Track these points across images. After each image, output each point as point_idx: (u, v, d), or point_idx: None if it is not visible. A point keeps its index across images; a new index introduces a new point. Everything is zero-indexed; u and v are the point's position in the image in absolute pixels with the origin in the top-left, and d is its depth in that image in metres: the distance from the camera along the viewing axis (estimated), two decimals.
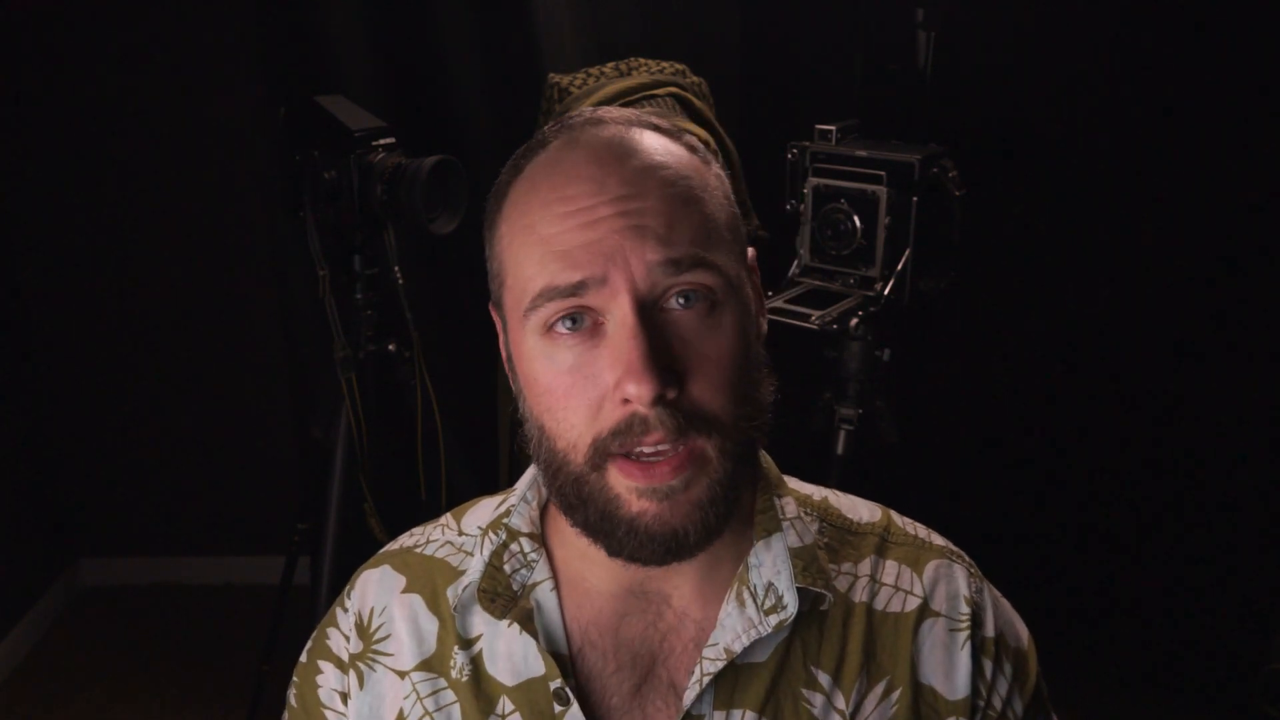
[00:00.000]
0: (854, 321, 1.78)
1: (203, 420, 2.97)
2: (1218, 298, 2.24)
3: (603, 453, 0.65)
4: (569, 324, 0.66)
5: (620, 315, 0.64)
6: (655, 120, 0.73)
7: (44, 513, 2.96)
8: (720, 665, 0.71)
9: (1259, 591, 2.32)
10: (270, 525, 2.85)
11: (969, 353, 2.41)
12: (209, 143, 2.76)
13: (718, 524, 0.67)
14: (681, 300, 0.66)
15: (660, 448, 0.65)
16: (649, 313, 0.65)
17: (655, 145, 0.69)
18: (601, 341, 0.65)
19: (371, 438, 1.95)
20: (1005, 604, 0.81)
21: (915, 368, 2.16)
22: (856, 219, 1.81)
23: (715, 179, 0.72)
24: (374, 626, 0.80)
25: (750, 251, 0.75)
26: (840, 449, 1.91)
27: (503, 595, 0.75)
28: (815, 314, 1.76)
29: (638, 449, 0.65)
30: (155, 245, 2.84)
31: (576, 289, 0.65)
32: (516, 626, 0.74)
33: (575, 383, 0.66)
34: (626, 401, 0.64)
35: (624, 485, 0.66)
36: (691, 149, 0.72)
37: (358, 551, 1.02)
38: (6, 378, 2.81)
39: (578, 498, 0.68)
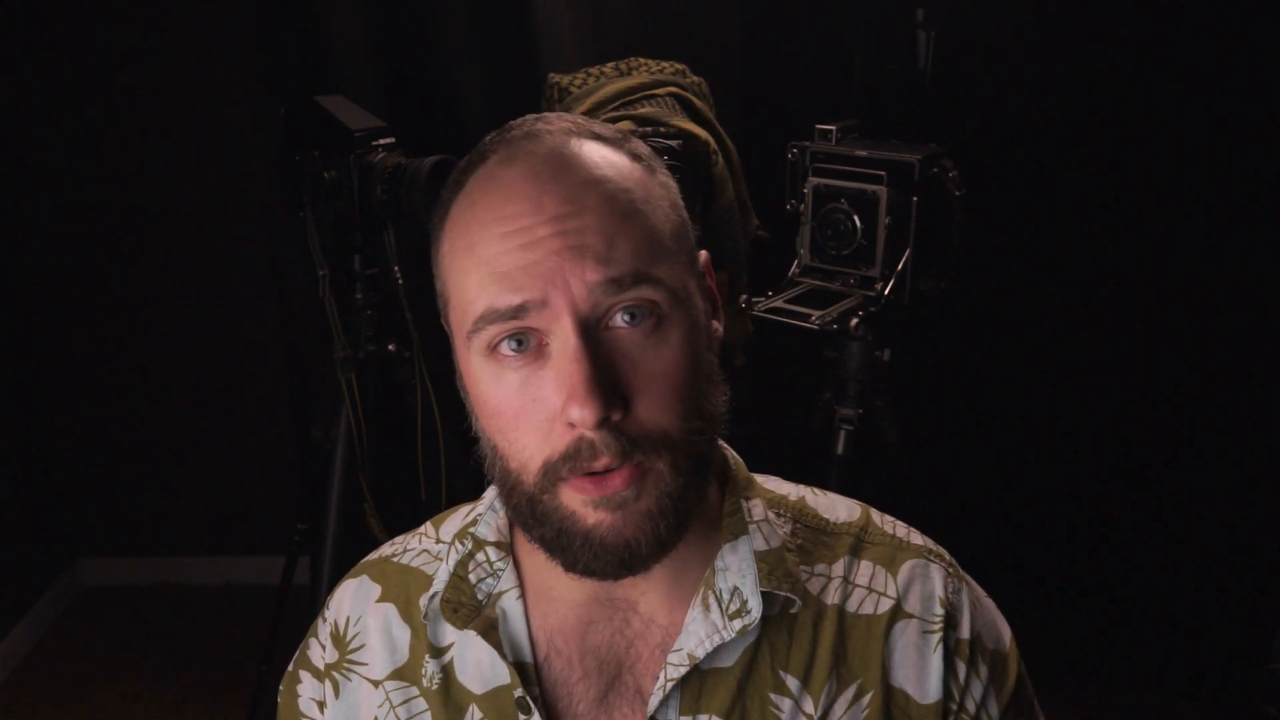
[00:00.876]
0: (854, 321, 1.78)
1: (203, 420, 2.97)
2: (1218, 296, 2.24)
3: (553, 476, 0.65)
4: (514, 345, 0.65)
5: (563, 338, 0.64)
6: (597, 128, 0.71)
7: (44, 513, 2.96)
8: (684, 670, 0.71)
9: (1259, 591, 2.32)
10: (270, 525, 2.85)
11: (969, 353, 2.41)
12: (209, 143, 2.76)
13: (669, 536, 0.67)
14: (626, 317, 0.65)
15: (610, 467, 0.64)
16: (592, 333, 0.64)
17: (595, 157, 0.68)
18: (547, 363, 0.65)
19: (371, 438, 1.95)
20: (987, 605, 0.80)
21: (915, 368, 2.17)
22: (856, 219, 1.81)
23: (660, 187, 0.71)
24: (349, 636, 0.81)
25: (702, 255, 0.74)
26: (840, 449, 1.91)
27: (466, 605, 0.75)
28: (815, 314, 1.76)
29: (587, 470, 0.65)
30: (155, 245, 2.84)
31: (517, 312, 0.64)
32: (481, 636, 0.74)
33: (524, 405, 0.65)
34: (573, 425, 0.64)
35: (578, 500, 0.65)
36: (635, 157, 0.70)
37: (358, 551, 1.02)
38: (7, 378, 2.81)
39: (533, 516, 0.68)
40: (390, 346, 2.00)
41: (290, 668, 0.85)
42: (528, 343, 0.65)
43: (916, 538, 0.81)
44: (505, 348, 0.65)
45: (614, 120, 1.97)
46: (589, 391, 0.62)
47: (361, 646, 0.80)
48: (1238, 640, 2.33)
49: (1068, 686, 2.39)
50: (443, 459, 2.03)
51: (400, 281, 1.94)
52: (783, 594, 0.73)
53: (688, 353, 0.67)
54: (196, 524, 3.04)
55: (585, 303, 0.64)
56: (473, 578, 0.77)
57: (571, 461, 0.64)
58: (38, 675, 2.71)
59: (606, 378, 0.63)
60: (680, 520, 0.67)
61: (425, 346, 2.01)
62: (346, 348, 1.92)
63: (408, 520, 0.94)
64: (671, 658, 0.72)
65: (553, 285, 0.63)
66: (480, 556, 0.78)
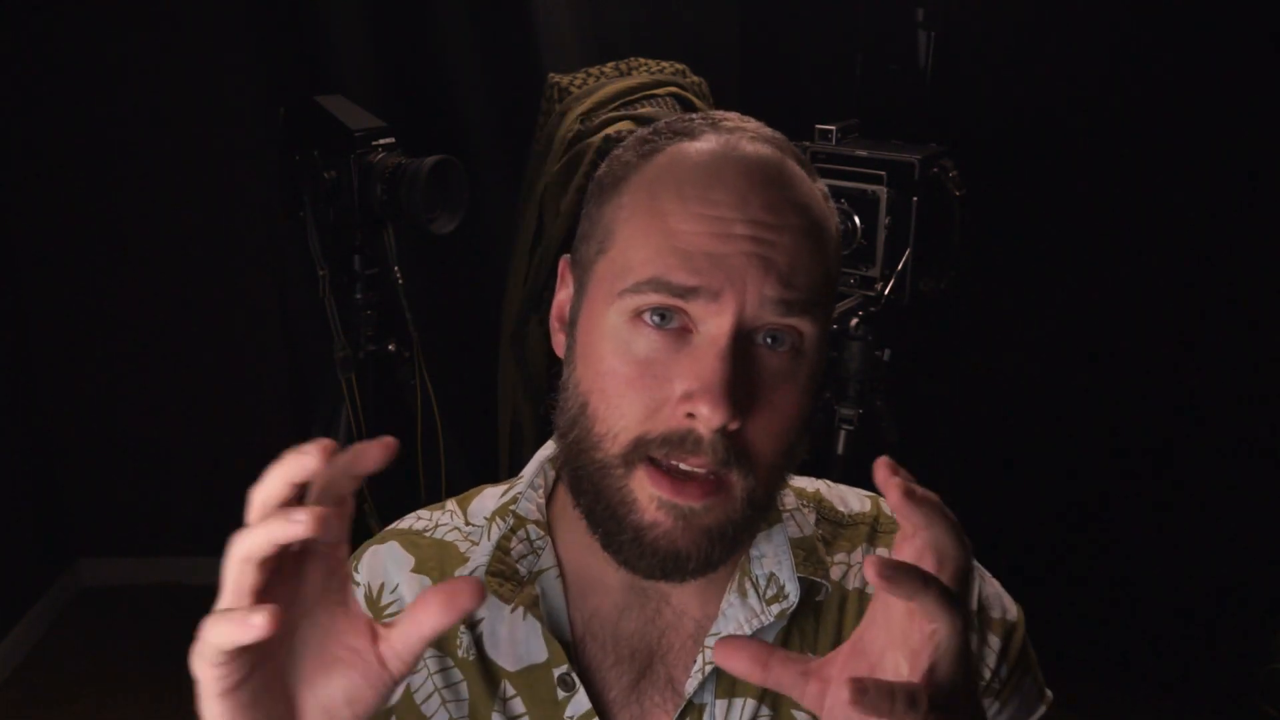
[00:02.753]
0: (854, 321, 1.78)
1: (203, 420, 2.97)
2: (1218, 297, 2.24)
3: (640, 453, 0.65)
4: (658, 319, 0.65)
5: (715, 334, 0.64)
6: (796, 151, 0.72)
7: (44, 513, 2.96)
8: None
9: (1259, 591, 2.32)
10: None
11: (969, 353, 2.41)
12: (209, 143, 2.76)
13: (719, 559, 0.67)
14: (769, 340, 0.65)
15: (697, 470, 0.65)
16: (742, 341, 0.64)
17: (802, 183, 0.69)
18: (684, 349, 0.65)
19: (371, 438, 1.95)
20: (991, 580, 0.82)
21: (915, 368, 2.17)
22: (857, 219, 1.81)
23: (837, 232, 0.72)
24: (384, 602, 0.80)
25: None
26: (840, 449, 1.91)
27: (510, 579, 0.75)
28: None
29: (676, 464, 0.65)
30: (155, 245, 2.84)
31: (687, 293, 0.64)
32: (521, 610, 0.75)
33: (641, 376, 0.65)
34: (689, 415, 0.64)
35: (647, 492, 0.65)
36: (825, 197, 0.72)
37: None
38: (7, 378, 2.81)
39: (594, 486, 0.67)
40: (390, 346, 2.00)
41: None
42: (671, 320, 0.65)
43: None
44: (649, 318, 0.65)
45: (614, 120, 1.97)
46: (725, 394, 0.62)
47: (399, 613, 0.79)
48: (1238, 640, 2.33)
49: (1068, 686, 2.39)
50: (443, 459, 2.03)
51: (400, 281, 1.94)
52: (817, 580, 0.75)
53: (806, 395, 0.68)
54: (196, 524, 3.03)
55: (752, 310, 0.64)
56: (514, 554, 0.76)
57: (669, 447, 0.64)
58: (38, 675, 2.71)
59: (740, 385, 0.63)
60: (733, 548, 0.68)
61: (425, 346, 2.01)
62: (346, 348, 1.92)
63: None
64: (709, 642, 0.73)
65: (731, 283, 0.63)
66: (522, 533, 0.77)
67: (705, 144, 0.69)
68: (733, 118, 0.72)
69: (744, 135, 0.70)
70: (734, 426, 0.63)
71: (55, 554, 3.01)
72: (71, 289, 2.87)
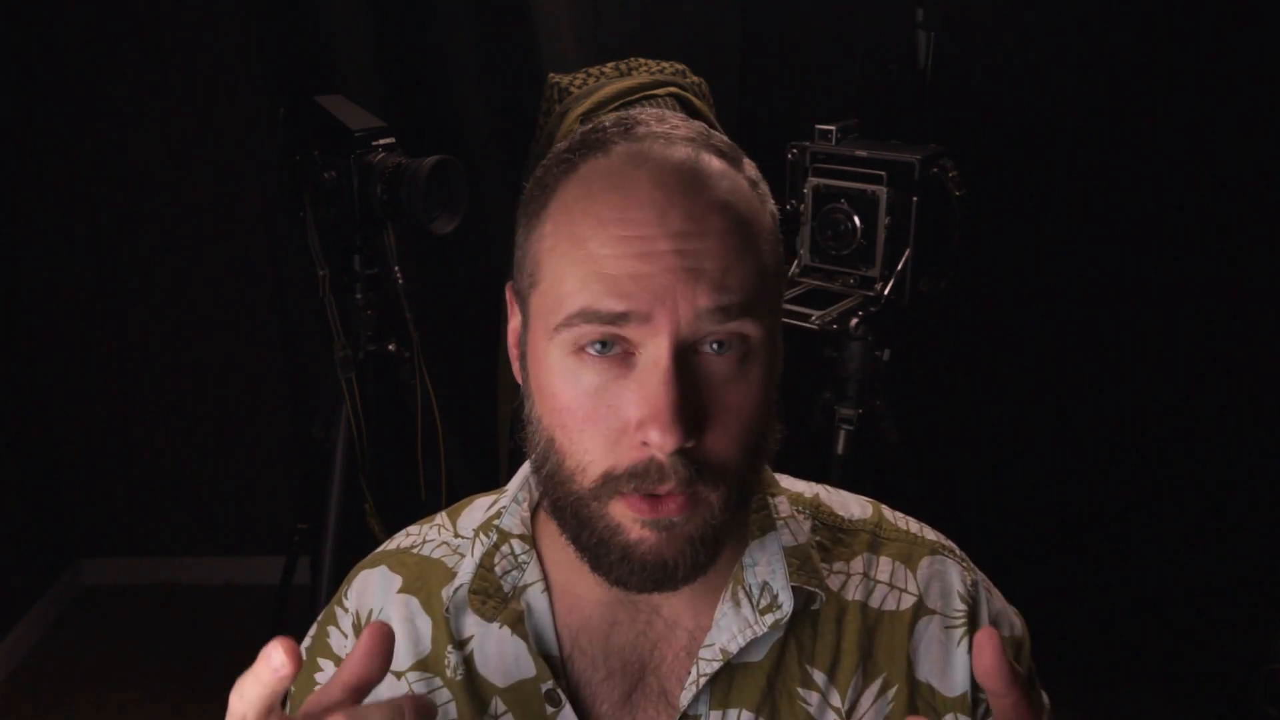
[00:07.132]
0: (854, 321, 1.78)
1: (203, 420, 2.97)
2: (1218, 297, 2.24)
3: (612, 489, 0.65)
4: (598, 347, 0.64)
5: (655, 356, 0.63)
6: (718, 143, 0.70)
7: (44, 513, 2.96)
8: (716, 666, 0.72)
9: (1259, 591, 2.32)
10: (270, 525, 2.85)
11: (969, 353, 2.41)
12: (209, 143, 2.76)
13: (705, 562, 0.68)
14: (715, 345, 0.64)
15: (669, 493, 0.65)
16: (684, 356, 0.63)
17: (722, 180, 0.67)
18: (630, 373, 0.64)
19: (371, 438, 1.95)
20: (996, 594, 0.81)
21: (915, 368, 2.17)
22: (856, 219, 1.81)
23: (770, 218, 0.70)
24: None
25: None
26: (840, 449, 1.91)
27: (493, 596, 0.75)
28: (815, 314, 1.76)
29: (650, 491, 0.65)
30: (155, 245, 2.84)
31: (617, 319, 0.63)
32: (508, 628, 0.74)
33: (596, 409, 0.65)
34: (647, 444, 0.63)
35: (628, 516, 0.65)
36: (752, 183, 0.70)
37: (357, 551, 1.02)
38: (7, 378, 2.81)
39: (576, 517, 0.67)
40: (390, 346, 2.00)
41: (302, 655, 0.84)
42: (613, 347, 0.64)
43: (929, 533, 0.82)
44: (590, 349, 0.64)
45: None
46: (673, 418, 0.62)
47: None
48: (1238, 640, 2.33)
49: (1068, 686, 2.39)
50: (443, 459, 2.03)
51: (400, 281, 1.94)
52: (812, 589, 0.74)
53: (763, 391, 0.67)
54: (196, 524, 3.04)
55: (688, 326, 0.63)
56: (498, 570, 0.76)
57: (636, 480, 0.64)
58: (38, 675, 2.71)
59: (689, 404, 0.63)
60: (718, 550, 0.68)
61: (425, 346, 2.01)
62: (346, 348, 1.92)
63: (407, 520, 0.93)
64: (703, 653, 0.72)
65: (661, 303, 0.62)
66: (505, 549, 0.77)
67: (616, 159, 0.66)
68: (649, 119, 0.70)
69: (656, 140, 0.67)
70: (689, 445, 0.63)
71: (55, 554, 3.01)
72: (71, 289, 2.87)
